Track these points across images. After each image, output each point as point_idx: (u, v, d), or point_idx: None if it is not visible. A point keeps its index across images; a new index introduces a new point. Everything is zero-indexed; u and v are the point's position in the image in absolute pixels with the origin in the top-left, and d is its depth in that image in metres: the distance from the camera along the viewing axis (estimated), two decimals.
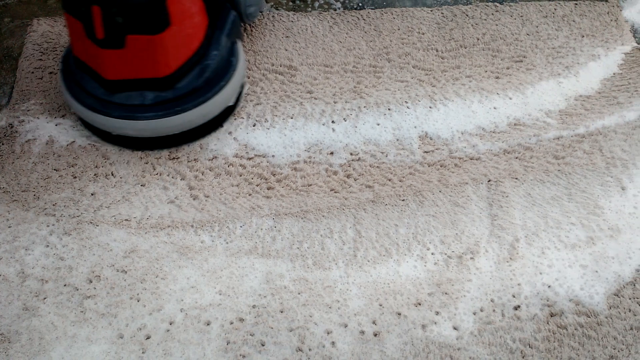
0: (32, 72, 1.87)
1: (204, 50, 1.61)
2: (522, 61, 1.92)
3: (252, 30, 1.96)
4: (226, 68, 1.65)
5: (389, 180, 1.66)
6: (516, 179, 1.65)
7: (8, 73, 1.88)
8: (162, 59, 1.51)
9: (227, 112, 1.73)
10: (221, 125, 1.73)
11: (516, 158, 1.69)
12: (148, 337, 1.39)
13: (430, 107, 1.78)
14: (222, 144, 1.71)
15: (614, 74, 1.89)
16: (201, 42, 1.60)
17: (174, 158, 1.69)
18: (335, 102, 1.79)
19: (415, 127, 1.75)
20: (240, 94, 1.74)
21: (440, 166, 1.68)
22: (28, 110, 1.78)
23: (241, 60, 1.70)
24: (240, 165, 1.68)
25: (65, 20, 1.56)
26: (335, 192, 1.63)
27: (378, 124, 1.75)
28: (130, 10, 1.41)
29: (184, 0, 1.50)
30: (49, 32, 1.97)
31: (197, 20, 1.57)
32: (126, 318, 1.41)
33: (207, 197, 1.62)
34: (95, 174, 1.65)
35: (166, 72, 1.53)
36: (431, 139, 1.73)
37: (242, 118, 1.76)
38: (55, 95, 1.81)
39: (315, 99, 1.80)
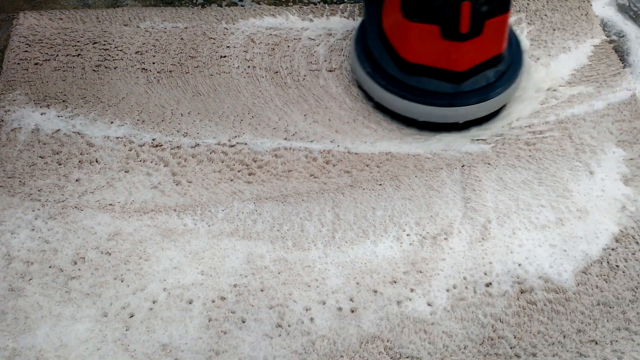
0: (18, 64, 1.91)
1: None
2: None
3: None
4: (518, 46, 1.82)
5: (367, 166, 1.71)
6: (489, 164, 1.72)
7: None
8: (505, 35, 1.66)
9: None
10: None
11: (489, 144, 1.75)
12: (132, 316, 1.43)
13: None
14: (205, 132, 1.76)
15: (583, 65, 1.96)
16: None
17: (157, 145, 1.73)
18: None
19: None
20: None
21: (417, 154, 1.74)
22: (14, 100, 1.82)
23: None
24: (222, 152, 1.73)
25: (404, 29, 1.64)
26: (314, 177, 1.69)
27: None
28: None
29: None
30: (35, 25, 2.01)
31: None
32: (110, 297, 1.45)
33: (190, 182, 1.66)
34: (79, 161, 1.69)
35: (504, 46, 1.68)
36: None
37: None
38: (41, 85, 1.85)
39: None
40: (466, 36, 1.58)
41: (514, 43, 1.82)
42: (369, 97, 1.82)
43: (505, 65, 1.73)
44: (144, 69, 1.92)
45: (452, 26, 1.56)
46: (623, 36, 2.05)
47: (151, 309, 1.44)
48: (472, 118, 1.74)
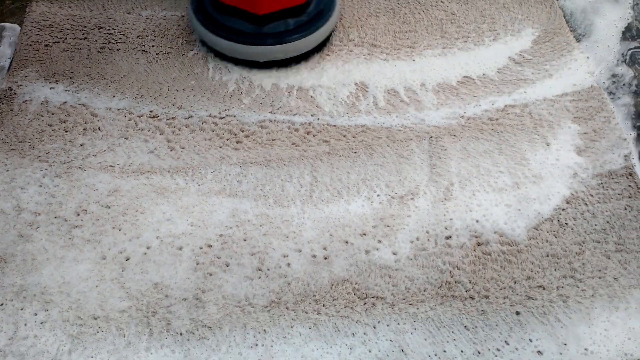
0: (30, 45, 2.10)
1: None
2: (466, 41, 2.17)
3: None
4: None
5: (344, 136, 1.89)
6: (454, 135, 1.89)
7: (7, 47, 2.11)
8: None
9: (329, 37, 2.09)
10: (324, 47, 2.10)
11: (455, 118, 1.93)
12: (127, 259, 1.60)
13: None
14: (198, 105, 1.95)
15: (543, 52, 2.14)
16: None
17: (154, 117, 1.92)
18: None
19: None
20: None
21: (389, 126, 1.92)
22: (25, 77, 2.01)
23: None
24: (213, 122, 1.91)
25: None
26: (296, 146, 1.86)
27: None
28: None
29: None
30: (46, 12, 2.21)
31: None
32: (109, 243, 1.62)
33: (183, 148, 1.84)
34: (84, 129, 1.87)
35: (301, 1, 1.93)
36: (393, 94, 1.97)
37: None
38: (50, 64, 2.04)
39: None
40: None
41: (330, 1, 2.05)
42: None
43: (308, 17, 1.99)
44: (144, 50, 2.11)
45: None
46: None
47: (145, 254, 1.61)
48: (270, 59, 1.99)
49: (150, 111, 1.93)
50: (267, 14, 1.90)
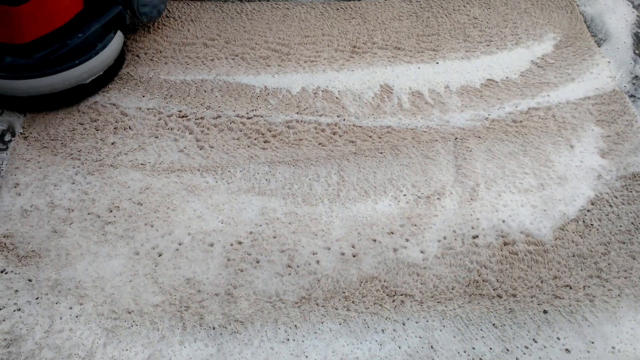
0: None
1: (69, 31, 1.88)
2: (489, 45, 2.20)
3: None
4: (87, 51, 1.91)
5: (370, 137, 1.92)
6: (479, 137, 1.92)
7: None
8: (18, 29, 1.76)
9: (82, 90, 1.95)
10: (72, 103, 1.95)
11: (479, 121, 1.96)
12: (160, 255, 1.63)
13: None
14: (226, 106, 1.98)
15: (565, 56, 2.17)
16: (66, 22, 1.86)
17: (183, 116, 1.95)
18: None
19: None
20: (102, 77, 1.98)
21: (414, 127, 1.94)
22: None
23: (110, 49, 1.95)
24: (241, 122, 1.94)
25: None
26: (322, 146, 1.89)
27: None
28: None
29: None
30: None
31: (65, 4, 1.84)
32: (141, 239, 1.65)
33: (212, 147, 1.87)
34: (115, 128, 1.91)
35: (21, 40, 1.78)
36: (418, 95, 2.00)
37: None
38: None
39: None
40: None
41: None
42: None
43: (30, 62, 1.84)
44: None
45: None
46: None
47: (177, 250, 1.63)
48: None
49: (179, 111, 1.96)
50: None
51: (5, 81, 1.82)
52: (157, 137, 1.89)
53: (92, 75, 1.92)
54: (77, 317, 1.51)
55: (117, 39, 1.99)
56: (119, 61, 2.02)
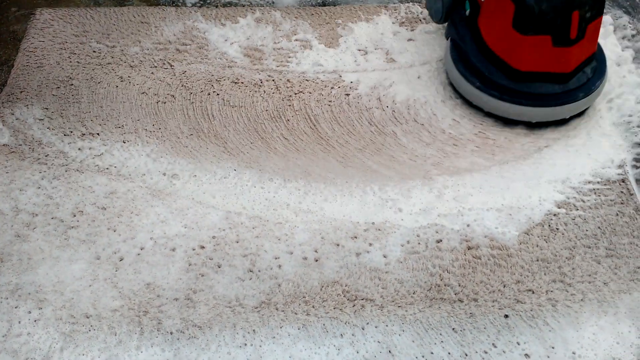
0: (31, 52, 2.15)
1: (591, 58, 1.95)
2: None
3: None
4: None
5: (339, 143, 1.91)
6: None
7: (12, 51, 2.16)
8: (597, 36, 1.88)
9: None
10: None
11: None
12: (121, 259, 1.62)
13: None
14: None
15: None
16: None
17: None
18: None
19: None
20: None
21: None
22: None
23: None
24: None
25: (517, 42, 1.83)
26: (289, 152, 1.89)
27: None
28: (595, 5, 1.78)
29: None
30: (50, 20, 2.26)
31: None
32: (103, 244, 1.65)
33: (178, 153, 1.87)
34: (82, 133, 1.91)
35: (596, 46, 1.91)
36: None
37: None
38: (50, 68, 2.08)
39: None
40: (574, 41, 1.79)
41: None
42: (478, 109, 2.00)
43: (596, 63, 1.94)
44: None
45: (563, 34, 1.77)
46: None
47: (139, 254, 1.63)
48: (577, 112, 1.93)
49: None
50: None
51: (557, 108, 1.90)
52: (124, 142, 1.89)
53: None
54: (35, 321, 1.50)
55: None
56: None
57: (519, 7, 1.74)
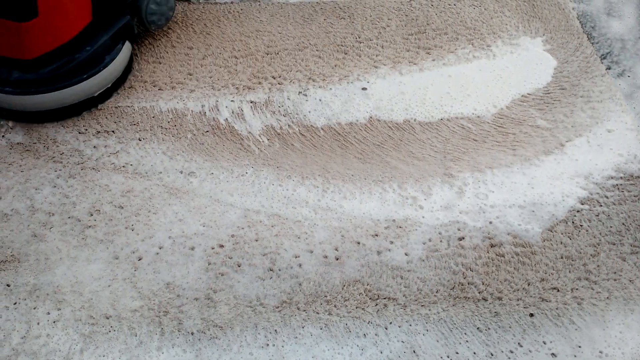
0: None
1: (78, 44, 1.79)
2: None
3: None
4: (96, 64, 1.83)
5: (357, 139, 1.89)
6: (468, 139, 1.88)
7: None
8: (25, 45, 1.66)
9: (90, 102, 1.90)
10: (79, 114, 1.89)
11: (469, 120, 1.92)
12: (140, 259, 1.60)
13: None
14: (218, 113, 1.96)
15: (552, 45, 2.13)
16: (74, 36, 1.77)
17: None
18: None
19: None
20: (110, 89, 1.92)
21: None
22: None
23: (118, 60, 1.88)
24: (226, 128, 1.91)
25: None
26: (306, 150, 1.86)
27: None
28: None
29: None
30: None
31: (73, 17, 1.74)
32: (121, 243, 1.63)
33: (194, 150, 1.85)
34: (97, 131, 1.89)
35: (29, 56, 1.69)
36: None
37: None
38: None
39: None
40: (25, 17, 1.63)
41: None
42: None
43: (37, 77, 1.77)
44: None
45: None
46: None
47: (157, 254, 1.61)
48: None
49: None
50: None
51: (13, 97, 1.76)
52: (140, 140, 1.86)
53: (100, 89, 1.88)
54: (54, 322, 1.49)
55: (125, 49, 1.93)
56: (127, 71, 1.97)
57: None
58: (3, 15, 1.59)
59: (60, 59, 1.77)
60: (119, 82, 1.94)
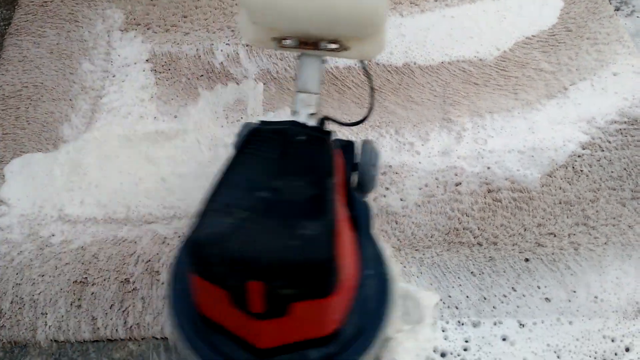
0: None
1: (359, 276, 1.23)
2: None
3: None
4: (382, 284, 1.25)
5: (355, 83, 1.85)
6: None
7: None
8: (331, 317, 1.16)
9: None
10: None
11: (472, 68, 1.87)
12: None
13: None
14: None
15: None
16: (358, 270, 1.23)
17: None
18: None
19: None
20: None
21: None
22: None
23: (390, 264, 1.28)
24: None
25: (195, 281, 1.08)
26: None
27: None
28: (299, 281, 1.04)
29: (345, 240, 1.10)
30: None
31: (353, 256, 1.20)
32: None
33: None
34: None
35: (334, 327, 1.17)
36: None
37: None
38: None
39: None
40: (264, 315, 1.08)
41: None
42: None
43: (339, 346, 1.17)
44: None
45: (240, 299, 1.06)
46: None
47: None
48: None
49: None
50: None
51: None
52: None
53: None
54: None
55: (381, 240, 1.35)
56: None
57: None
58: (300, 299, 1.08)
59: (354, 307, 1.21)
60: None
